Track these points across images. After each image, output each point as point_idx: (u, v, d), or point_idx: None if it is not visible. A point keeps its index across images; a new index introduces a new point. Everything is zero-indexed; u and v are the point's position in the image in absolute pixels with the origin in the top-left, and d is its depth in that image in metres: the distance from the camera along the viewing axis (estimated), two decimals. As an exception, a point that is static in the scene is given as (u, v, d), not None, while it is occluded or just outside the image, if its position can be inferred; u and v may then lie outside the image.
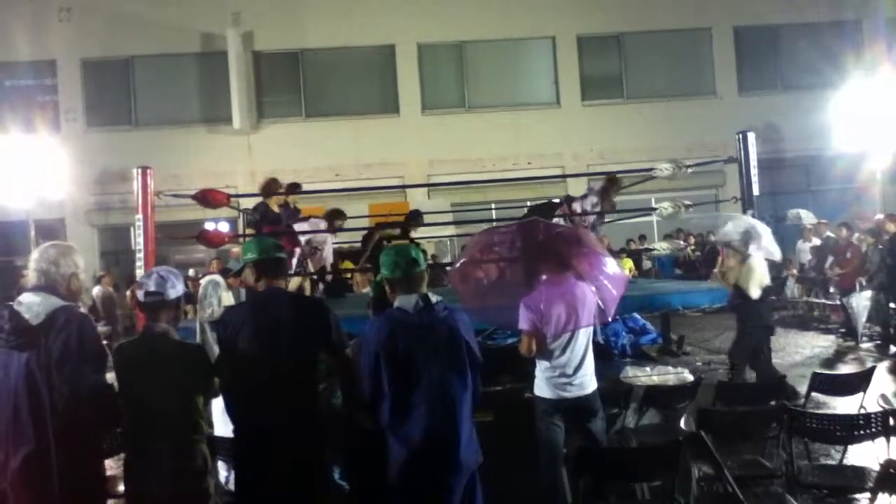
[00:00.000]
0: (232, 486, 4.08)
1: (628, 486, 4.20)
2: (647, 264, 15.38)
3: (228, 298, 7.54)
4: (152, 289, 3.23)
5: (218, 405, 4.28)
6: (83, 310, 3.71)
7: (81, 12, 16.84)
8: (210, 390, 3.33)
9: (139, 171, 6.98)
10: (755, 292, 6.72)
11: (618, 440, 4.87)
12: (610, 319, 5.47)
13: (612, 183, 8.34)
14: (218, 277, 7.83)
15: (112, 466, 4.50)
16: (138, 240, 6.95)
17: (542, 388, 4.24)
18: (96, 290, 12.91)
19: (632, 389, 5.34)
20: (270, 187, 7.86)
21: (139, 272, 6.84)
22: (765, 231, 6.88)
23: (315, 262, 8.52)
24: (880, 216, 11.51)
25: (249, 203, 12.18)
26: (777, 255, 7.11)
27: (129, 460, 3.22)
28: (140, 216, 6.91)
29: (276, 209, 7.80)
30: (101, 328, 11.42)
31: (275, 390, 3.15)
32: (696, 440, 3.84)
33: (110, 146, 16.24)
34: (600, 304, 4.27)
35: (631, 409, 5.01)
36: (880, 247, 10.31)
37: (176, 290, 3.28)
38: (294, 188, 8.09)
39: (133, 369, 3.19)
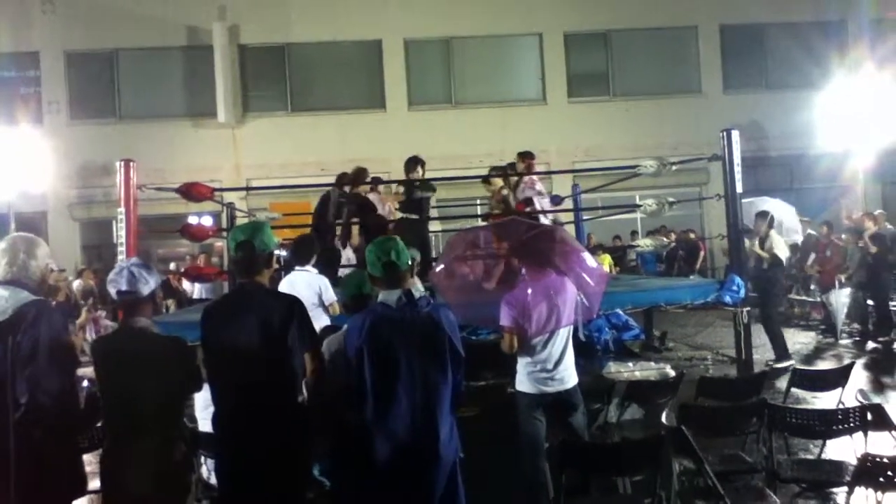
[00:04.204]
0: (214, 482, 4.08)
1: (610, 481, 4.23)
2: (630, 261, 15.48)
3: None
4: (124, 288, 3.16)
5: (201, 400, 4.27)
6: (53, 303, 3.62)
7: (65, 4, 16.68)
8: (192, 384, 3.30)
9: (122, 164, 6.91)
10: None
11: (600, 435, 4.89)
12: (595, 316, 5.50)
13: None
14: None
15: (92, 462, 4.47)
16: (120, 234, 6.89)
17: (523, 382, 4.25)
18: (77, 284, 12.80)
19: (614, 385, 5.38)
20: (360, 176, 8.12)
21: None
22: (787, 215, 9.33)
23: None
24: (859, 213, 11.64)
25: (233, 197, 12.17)
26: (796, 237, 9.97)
27: (105, 456, 3.17)
28: (122, 210, 6.84)
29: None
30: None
31: (249, 385, 3.13)
32: (677, 435, 3.86)
33: (93, 139, 16.09)
34: (584, 300, 4.29)
35: (613, 404, 5.04)
36: (860, 245, 10.42)
37: (149, 285, 3.21)
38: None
39: (112, 364, 3.14)
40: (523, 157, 8.55)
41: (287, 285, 5.29)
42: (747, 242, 8.73)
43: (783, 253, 8.95)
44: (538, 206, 8.10)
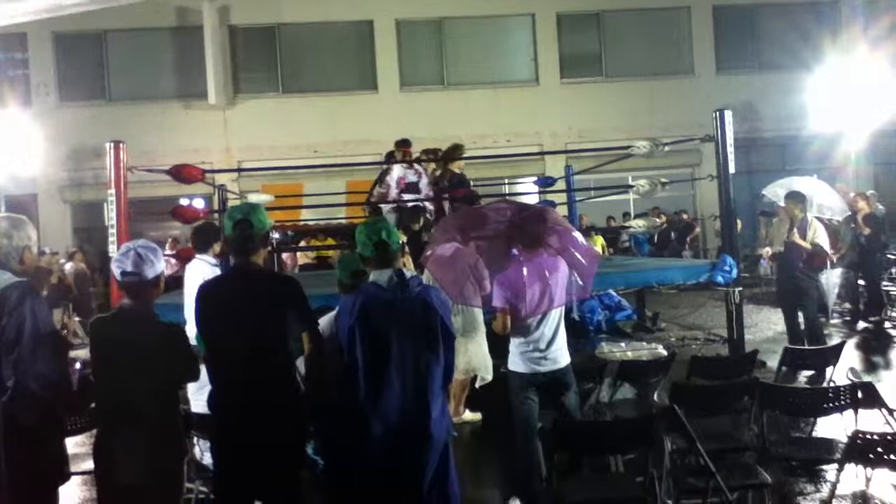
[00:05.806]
0: (207, 461, 4.08)
1: (602, 459, 4.25)
2: (623, 242, 15.50)
3: None
4: (129, 269, 3.06)
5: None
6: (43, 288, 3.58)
7: (52, -16, 16.47)
8: (188, 373, 3.26)
9: (112, 145, 6.84)
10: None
11: (592, 414, 4.91)
12: (588, 295, 5.50)
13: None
14: None
15: (85, 443, 4.48)
16: (111, 216, 6.84)
17: (515, 362, 4.25)
18: (69, 267, 12.75)
19: (606, 364, 5.39)
20: (455, 152, 8.19)
21: (112, 248, 6.74)
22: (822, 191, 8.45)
23: None
24: (852, 194, 11.65)
25: (225, 179, 12.10)
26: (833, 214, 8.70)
27: (99, 441, 3.13)
28: (113, 192, 6.78)
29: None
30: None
31: (246, 366, 3.12)
32: (669, 414, 3.88)
33: (83, 121, 15.93)
34: (577, 279, 4.27)
35: (605, 384, 5.06)
36: (852, 226, 10.44)
37: (154, 269, 3.12)
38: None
39: (108, 348, 3.08)
40: (400, 145, 8.52)
41: (187, 271, 5.18)
42: (765, 230, 8.36)
43: (826, 243, 7.72)
44: (392, 194, 8.10)
